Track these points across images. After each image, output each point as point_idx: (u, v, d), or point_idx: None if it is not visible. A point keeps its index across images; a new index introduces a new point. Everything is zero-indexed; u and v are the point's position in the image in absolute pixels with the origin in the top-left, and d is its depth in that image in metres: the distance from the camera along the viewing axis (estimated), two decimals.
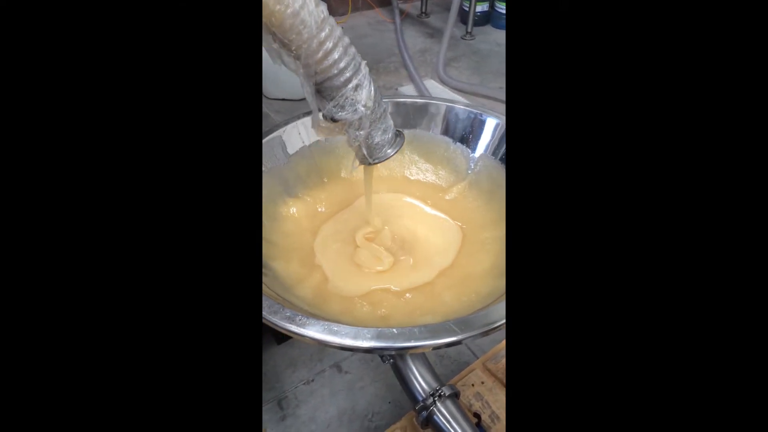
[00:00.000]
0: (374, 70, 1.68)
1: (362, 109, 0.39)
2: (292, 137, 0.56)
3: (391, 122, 0.44)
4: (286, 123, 0.56)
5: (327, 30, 0.35)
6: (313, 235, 0.53)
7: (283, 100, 1.69)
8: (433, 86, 1.52)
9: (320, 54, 0.35)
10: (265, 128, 0.55)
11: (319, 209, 0.56)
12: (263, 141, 0.53)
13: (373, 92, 0.39)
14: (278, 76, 1.64)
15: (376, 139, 0.43)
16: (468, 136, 0.58)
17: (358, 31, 2.03)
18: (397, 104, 0.60)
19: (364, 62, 0.39)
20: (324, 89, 0.38)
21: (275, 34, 0.34)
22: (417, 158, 0.61)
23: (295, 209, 0.54)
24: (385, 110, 0.42)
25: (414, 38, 1.97)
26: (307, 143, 0.57)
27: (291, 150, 0.56)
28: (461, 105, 0.59)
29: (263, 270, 0.44)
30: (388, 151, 0.44)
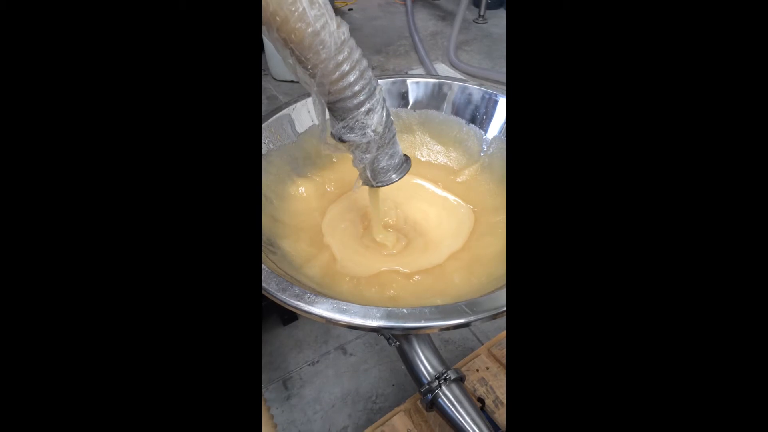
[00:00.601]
0: (383, 53, 1.65)
1: (371, 133, 0.38)
2: (301, 115, 0.55)
3: (399, 148, 0.43)
4: (295, 101, 0.55)
5: (346, 52, 0.34)
6: (321, 215, 0.52)
7: (292, 82, 1.67)
8: (444, 70, 1.50)
9: (336, 75, 0.34)
10: (273, 109, 0.54)
11: (328, 189, 0.55)
12: (272, 119, 0.52)
13: (384, 118, 0.39)
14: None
15: (382, 164, 0.42)
16: (481, 117, 0.57)
17: (368, 13, 1.99)
18: (411, 84, 0.59)
19: (379, 86, 0.38)
20: (335, 109, 0.38)
21: (293, 50, 0.33)
22: (428, 139, 0.60)
23: (303, 189, 0.53)
24: (394, 135, 0.42)
25: (425, 21, 1.93)
26: (317, 122, 0.56)
27: (300, 129, 0.55)
28: (475, 85, 0.58)
29: (272, 248, 0.44)
30: (393, 176, 0.44)
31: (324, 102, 0.37)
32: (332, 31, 0.33)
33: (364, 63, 0.36)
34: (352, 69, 0.35)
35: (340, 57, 0.34)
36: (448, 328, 0.32)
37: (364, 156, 0.41)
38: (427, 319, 0.32)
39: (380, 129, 0.39)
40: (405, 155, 0.45)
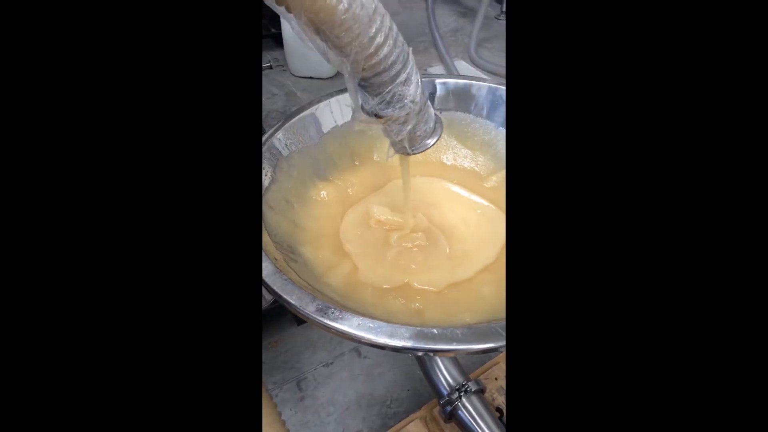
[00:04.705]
0: None
1: (410, 104, 0.35)
2: (324, 116, 0.53)
3: (432, 110, 0.41)
4: (318, 101, 0.54)
5: (378, 21, 0.31)
6: (342, 220, 0.51)
7: (310, 78, 1.66)
8: (464, 67, 1.46)
9: (371, 49, 0.31)
10: (292, 107, 0.52)
11: (350, 192, 0.54)
12: (296, 119, 0.51)
13: (420, 85, 0.36)
14: (305, 54, 1.61)
15: (419, 132, 0.40)
16: None
17: (387, 8, 1.95)
18: (438, 84, 0.56)
19: (410, 49, 0.35)
20: (369, 85, 0.35)
21: (324, 31, 0.30)
22: (455, 143, 0.57)
23: (325, 193, 0.52)
24: (427, 99, 0.39)
25: (446, 17, 1.89)
26: (339, 123, 0.54)
27: (323, 130, 0.53)
28: (505, 87, 0.55)
29: (293, 256, 0.42)
30: (428, 141, 0.41)
31: (357, 80, 0.34)
32: (364, 2, 0.30)
33: (395, 28, 0.33)
34: (386, 39, 0.32)
35: (373, 29, 0.31)
36: (485, 351, 0.30)
37: (402, 128, 0.38)
38: (459, 341, 0.30)
39: (418, 98, 0.36)
40: (436, 114, 0.42)
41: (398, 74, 0.34)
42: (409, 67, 0.35)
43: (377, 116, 0.37)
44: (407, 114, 0.36)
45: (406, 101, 0.35)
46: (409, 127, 0.38)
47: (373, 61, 0.32)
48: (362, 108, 0.37)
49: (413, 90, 0.35)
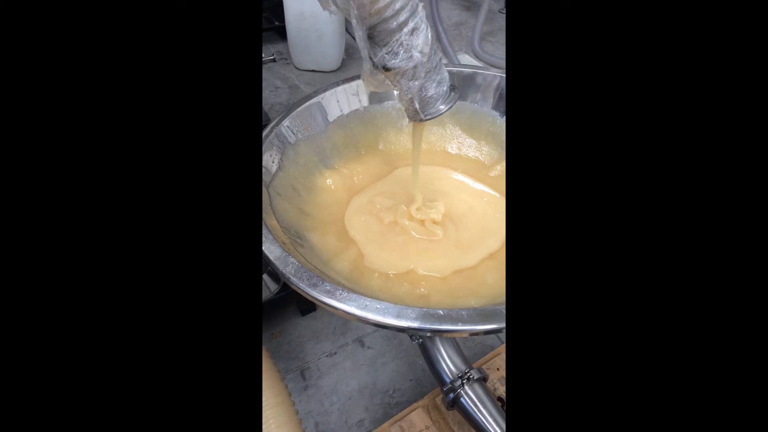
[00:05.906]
0: None
1: (418, 55, 0.35)
2: (330, 105, 0.54)
3: (446, 74, 0.40)
4: (325, 90, 0.54)
5: None
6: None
7: (313, 71, 1.66)
8: (468, 61, 1.46)
9: None
10: (296, 99, 0.53)
11: (356, 181, 0.54)
12: (302, 108, 0.51)
13: (429, 37, 0.36)
14: (309, 47, 1.60)
15: (431, 92, 0.39)
16: None
17: None
18: None
19: (420, 3, 0.35)
20: (377, 33, 0.34)
21: None
22: (459, 132, 0.58)
23: (331, 181, 0.52)
24: (440, 59, 0.39)
25: (449, 11, 1.89)
26: (345, 112, 0.55)
27: (329, 119, 0.54)
28: None
29: (300, 241, 0.43)
30: (441, 106, 0.40)
31: (365, 28, 0.34)
32: None
33: None
34: None
35: None
36: (486, 333, 0.31)
37: (411, 84, 0.37)
38: (464, 322, 0.31)
39: (426, 49, 0.35)
40: (452, 84, 0.41)
41: (406, 22, 0.34)
42: (417, 17, 0.35)
43: (385, 68, 0.36)
44: (415, 67, 0.36)
45: (413, 52, 0.35)
46: (417, 83, 0.37)
47: (379, 5, 0.32)
48: (372, 64, 0.37)
49: (422, 40, 0.35)
